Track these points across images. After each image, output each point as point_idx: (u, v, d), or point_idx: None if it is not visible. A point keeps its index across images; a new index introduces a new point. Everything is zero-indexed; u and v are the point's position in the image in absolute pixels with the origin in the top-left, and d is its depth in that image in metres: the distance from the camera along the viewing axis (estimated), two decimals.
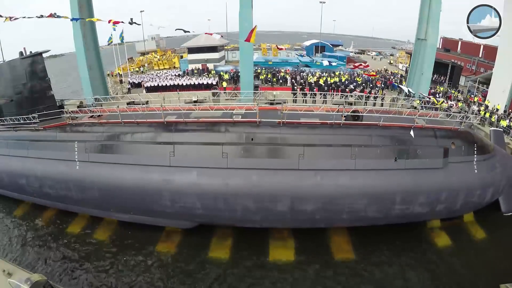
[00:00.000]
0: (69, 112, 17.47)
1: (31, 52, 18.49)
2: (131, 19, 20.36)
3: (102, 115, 17.25)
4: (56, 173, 16.29)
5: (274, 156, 14.28)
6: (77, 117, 17.41)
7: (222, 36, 22.57)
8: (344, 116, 14.73)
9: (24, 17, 18.43)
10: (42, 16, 18.54)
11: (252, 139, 14.47)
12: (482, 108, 26.06)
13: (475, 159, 14.88)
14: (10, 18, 17.87)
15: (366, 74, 18.25)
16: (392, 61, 66.18)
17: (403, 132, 14.28)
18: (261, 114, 14.84)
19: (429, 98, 16.19)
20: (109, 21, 18.85)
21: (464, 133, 15.23)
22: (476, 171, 14.80)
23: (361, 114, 14.94)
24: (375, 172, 13.97)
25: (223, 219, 15.03)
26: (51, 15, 18.22)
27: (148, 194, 14.79)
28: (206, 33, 19.11)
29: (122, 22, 21.35)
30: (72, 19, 21.03)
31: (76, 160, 15.87)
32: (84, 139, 16.03)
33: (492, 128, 18.36)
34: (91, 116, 17.42)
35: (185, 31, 17.90)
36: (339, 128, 14.64)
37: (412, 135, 13.53)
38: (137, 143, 15.31)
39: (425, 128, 14.77)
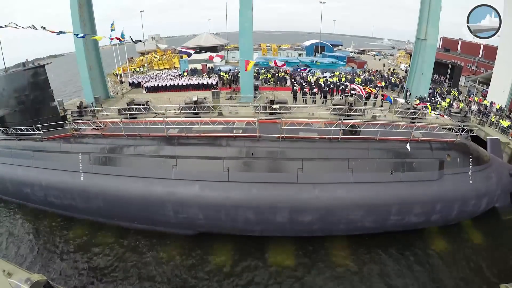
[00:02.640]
0: (73, 124, 17.63)
1: (33, 63, 18.79)
2: (131, 38, 20.54)
3: (104, 127, 17.42)
4: (61, 183, 16.56)
5: (274, 170, 14.67)
6: (80, 129, 17.58)
7: (224, 57, 22.60)
8: (342, 131, 15.01)
9: (29, 27, 18.62)
10: (45, 28, 18.68)
11: (252, 154, 14.81)
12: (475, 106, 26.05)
13: (470, 170, 15.24)
14: (16, 26, 18.05)
15: (366, 90, 18.30)
16: (386, 60, 66.09)
17: (399, 145, 14.58)
18: (261, 128, 15.13)
19: (426, 107, 16.13)
20: (111, 39, 19.04)
21: (460, 145, 15.50)
22: (471, 182, 15.14)
23: (358, 129, 15.22)
24: (371, 184, 14.33)
25: (224, 229, 15.36)
26: (54, 32, 18.37)
27: (152, 205, 15.15)
28: (210, 57, 18.85)
29: (125, 40, 21.64)
30: (76, 35, 21.27)
31: (81, 171, 16.18)
32: (88, 151, 16.31)
33: (489, 137, 18.46)
34: (94, 128, 17.61)
35: (190, 54, 18.00)
36: (337, 142, 14.98)
37: (408, 148, 13.75)
38: (141, 156, 15.61)
39: (422, 141, 15.08)
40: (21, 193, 18.19)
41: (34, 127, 17.11)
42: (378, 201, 14.29)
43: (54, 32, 18.44)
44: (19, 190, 18.23)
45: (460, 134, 15.45)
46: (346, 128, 15.15)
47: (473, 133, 15.53)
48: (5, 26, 17.98)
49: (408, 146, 13.75)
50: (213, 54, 17.34)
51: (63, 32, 18.71)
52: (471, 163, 15.26)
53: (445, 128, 15.70)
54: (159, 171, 15.03)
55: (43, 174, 17.00)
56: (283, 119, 15.17)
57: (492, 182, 15.66)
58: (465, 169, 15.16)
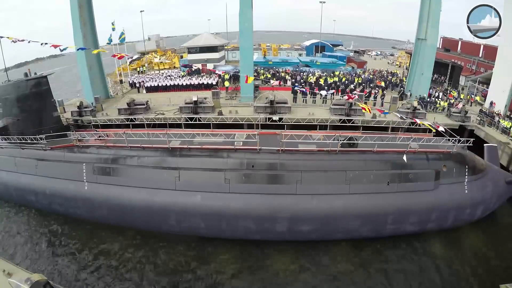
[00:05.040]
0: (76, 134, 17.80)
1: (35, 73, 19.03)
2: (133, 57, 20.70)
3: (106, 138, 17.63)
4: (65, 192, 16.88)
5: (273, 182, 15.05)
6: (83, 139, 17.75)
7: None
8: (340, 143, 15.27)
9: (30, 41, 18.88)
10: (46, 43, 18.84)
11: (252, 166, 15.13)
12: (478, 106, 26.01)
13: (466, 179, 15.53)
14: (15, 40, 18.29)
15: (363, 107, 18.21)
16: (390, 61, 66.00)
17: (396, 157, 14.82)
18: (261, 140, 15.43)
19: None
20: (114, 56, 19.11)
21: (456, 155, 15.72)
22: (466, 191, 15.41)
23: (356, 141, 15.46)
24: (368, 195, 14.64)
25: (225, 237, 15.65)
26: (55, 46, 18.49)
27: (155, 215, 15.53)
28: (213, 70, 18.71)
29: (126, 55, 21.56)
30: (78, 49, 21.48)
31: (85, 180, 16.49)
32: (92, 161, 16.59)
33: (486, 144, 18.56)
34: (97, 138, 17.85)
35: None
36: (335, 154, 15.26)
37: (405, 159, 13.93)
38: (144, 167, 15.91)
39: (418, 152, 15.35)
40: (25, 200, 18.53)
41: (38, 136, 17.33)
42: (375, 211, 14.70)
43: (57, 46, 18.50)
44: (23, 197, 18.56)
45: (456, 145, 15.65)
46: (344, 141, 15.46)
47: (470, 143, 15.69)
48: (7, 38, 18.20)
49: (404, 157, 14.00)
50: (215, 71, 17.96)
51: (65, 48, 18.84)
52: (466, 172, 15.61)
53: (443, 138, 15.93)
54: (162, 182, 15.40)
55: (48, 183, 17.32)
56: (283, 133, 15.54)
57: (488, 191, 15.95)
58: (461, 179, 15.50)
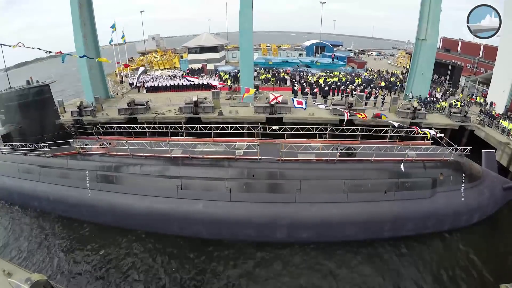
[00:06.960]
0: (79, 142, 17.92)
1: (37, 81, 19.08)
2: (145, 69, 20.63)
3: (109, 146, 17.73)
4: (68, 199, 17.06)
5: (273, 191, 15.28)
6: (86, 146, 17.92)
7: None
8: (339, 152, 15.44)
9: (33, 48, 19.00)
10: (50, 52, 18.94)
11: (253, 175, 15.36)
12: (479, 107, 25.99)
13: (463, 187, 15.70)
14: (19, 45, 18.38)
15: (360, 116, 17.74)
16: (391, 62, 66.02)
17: (394, 166, 15.04)
18: (261, 149, 15.66)
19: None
20: (119, 64, 18.98)
21: (453, 163, 15.89)
22: (463, 198, 15.57)
23: (354, 151, 15.63)
24: (365, 204, 14.86)
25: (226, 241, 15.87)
26: (60, 52, 18.54)
27: (158, 222, 15.76)
28: (215, 86, 17.97)
29: (131, 65, 21.41)
30: (80, 56, 21.58)
31: (88, 188, 16.71)
32: (95, 169, 16.81)
33: (484, 150, 18.66)
34: (100, 145, 18.03)
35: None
36: (333, 163, 15.49)
37: (402, 168, 14.08)
38: (147, 175, 16.15)
39: (416, 161, 15.54)
40: (29, 206, 18.65)
41: (40, 144, 17.44)
42: (372, 219, 14.93)
43: (59, 53, 18.55)
44: (26, 203, 18.68)
45: (453, 153, 15.72)
46: (343, 151, 15.64)
47: (467, 151, 15.78)
48: (13, 46, 18.28)
49: (402, 166, 14.11)
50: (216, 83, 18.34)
51: (69, 55, 18.89)
52: (463, 180, 15.76)
53: (441, 147, 16.08)
54: (164, 190, 15.60)
55: (51, 190, 17.48)
56: (282, 142, 15.73)
57: (484, 198, 16.06)
58: (458, 187, 15.67)
